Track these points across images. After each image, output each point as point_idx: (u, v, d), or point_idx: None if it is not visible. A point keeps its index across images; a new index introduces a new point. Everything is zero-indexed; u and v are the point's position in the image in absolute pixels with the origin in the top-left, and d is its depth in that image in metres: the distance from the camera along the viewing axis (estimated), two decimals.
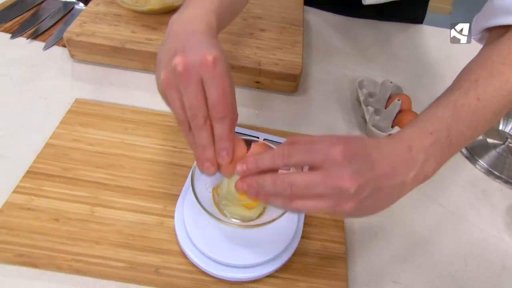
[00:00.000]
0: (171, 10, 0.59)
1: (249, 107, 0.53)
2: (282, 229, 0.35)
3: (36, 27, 0.60)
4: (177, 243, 0.35)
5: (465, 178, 0.49)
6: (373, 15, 0.76)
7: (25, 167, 0.39)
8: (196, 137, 0.28)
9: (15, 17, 0.61)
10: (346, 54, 0.66)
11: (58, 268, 0.33)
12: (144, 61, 0.53)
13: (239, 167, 0.28)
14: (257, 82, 0.55)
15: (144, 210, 0.37)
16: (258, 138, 0.40)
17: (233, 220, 0.35)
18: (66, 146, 0.42)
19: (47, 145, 0.42)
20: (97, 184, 0.39)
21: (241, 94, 0.55)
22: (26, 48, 0.56)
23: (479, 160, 0.51)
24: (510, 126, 0.57)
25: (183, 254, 0.34)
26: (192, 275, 0.33)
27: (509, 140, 0.54)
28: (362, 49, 0.68)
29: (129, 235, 0.35)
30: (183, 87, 0.27)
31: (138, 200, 0.38)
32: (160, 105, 0.49)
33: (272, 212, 0.33)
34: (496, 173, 0.49)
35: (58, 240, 0.34)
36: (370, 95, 0.56)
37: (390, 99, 0.54)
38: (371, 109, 0.51)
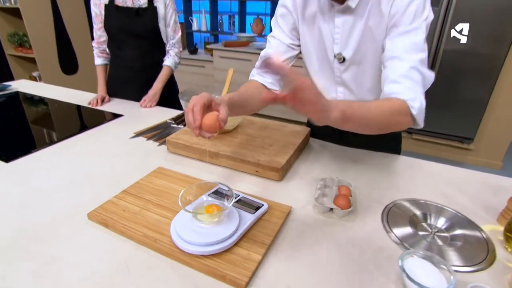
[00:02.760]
0: (225, 132, 0.97)
1: (250, 185, 0.80)
2: (221, 233, 0.57)
3: (158, 136, 1.06)
4: (169, 230, 0.60)
5: (382, 246, 0.61)
6: (361, 146, 0.99)
7: (122, 189, 0.73)
8: (193, 129, 0.59)
9: (151, 132, 1.10)
10: (329, 167, 0.89)
11: (115, 229, 0.62)
12: (199, 154, 0.90)
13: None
14: (257, 171, 0.83)
15: (163, 215, 0.65)
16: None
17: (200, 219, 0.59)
18: (144, 184, 0.76)
19: (136, 183, 0.77)
20: (148, 201, 0.69)
21: (245, 178, 0.83)
22: (150, 145, 1.01)
23: (410, 248, 0.61)
24: (433, 220, 0.66)
25: (170, 236, 0.59)
26: (170, 247, 0.57)
27: (434, 230, 0.64)
28: (342, 164, 0.90)
29: (151, 224, 0.62)
30: (188, 110, 0.60)
31: (163, 210, 0.66)
32: (198, 176, 0.81)
33: (222, 218, 0.57)
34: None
35: (120, 218, 0.64)
36: (327, 186, 0.76)
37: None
38: (318, 191, 0.71)
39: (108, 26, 1.38)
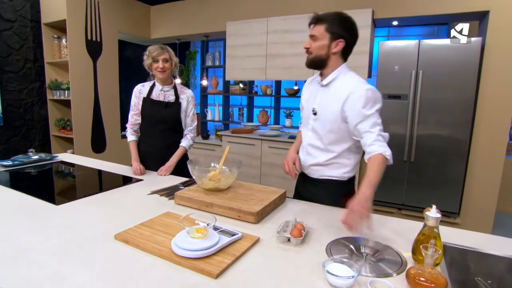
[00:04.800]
0: (218, 190, 1.30)
1: (233, 226, 1.08)
2: (204, 245, 0.84)
3: (169, 193, 1.38)
4: (170, 244, 0.87)
5: (322, 263, 0.85)
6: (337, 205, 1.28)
7: (143, 221, 1.04)
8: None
9: (164, 191, 1.43)
10: (297, 216, 1.17)
11: (133, 244, 0.90)
12: (198, 204, 1.20)
13: None
14: (239, 216, 1.12)
15: (167, 237, 0.93)
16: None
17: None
18: (156, 221, 1.06)
19: (150, 220, 1.07)
20: (157, 230, 0.98)
21: (231, 221, 1.12)
22: (162, 199, 1.33)
23: None
24: (368, 250, 0.90)
25: (170, 248, 0.86)
26: (169, 253, 0.84)
27: (365, 255, 0.88)
28: (309, 215, 1.18)
29: (158, 241, 0.90)
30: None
31: (167, 235, 0.95)
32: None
33: (206, 237, 0.86)
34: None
35: (137, 237, 0.92)
36: (288, 226, 1.03)
37: None
38: (280, 227, 0.99)
39: (143, 113, 1.86)
